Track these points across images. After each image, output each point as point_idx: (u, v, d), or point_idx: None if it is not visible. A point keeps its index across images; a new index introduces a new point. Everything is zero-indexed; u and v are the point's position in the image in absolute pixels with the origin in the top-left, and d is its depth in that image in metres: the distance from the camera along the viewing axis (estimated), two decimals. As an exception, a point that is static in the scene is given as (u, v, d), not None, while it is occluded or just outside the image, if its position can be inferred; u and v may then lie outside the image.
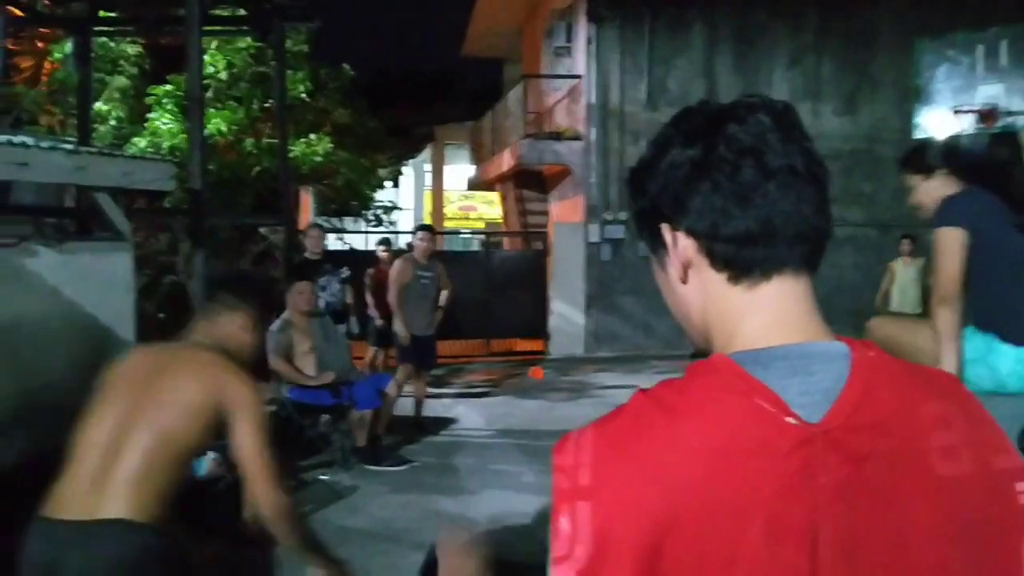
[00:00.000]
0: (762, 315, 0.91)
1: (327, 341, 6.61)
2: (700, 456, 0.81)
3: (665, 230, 0.94)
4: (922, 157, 3.38)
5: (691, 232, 0.92)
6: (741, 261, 0.91)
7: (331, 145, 13.02)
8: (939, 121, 13.02)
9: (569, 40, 14.09)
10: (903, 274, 10.93)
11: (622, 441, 0.85)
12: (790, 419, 0.82)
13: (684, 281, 0.95)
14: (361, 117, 14.70)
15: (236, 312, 2.46)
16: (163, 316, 10.26)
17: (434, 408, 8.47)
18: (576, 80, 13.79)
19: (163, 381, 2.20)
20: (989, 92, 12.03)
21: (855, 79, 13.70)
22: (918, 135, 13.16)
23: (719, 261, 0.91)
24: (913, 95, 13.48)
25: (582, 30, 13.48)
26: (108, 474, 2.08)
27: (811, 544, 0.80)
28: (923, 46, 12.31)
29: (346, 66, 14.05)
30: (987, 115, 11.76)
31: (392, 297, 7.50)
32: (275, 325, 6.44)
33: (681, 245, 0.93)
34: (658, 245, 0.96)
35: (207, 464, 4.95)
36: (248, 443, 2.21)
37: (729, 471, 0.81)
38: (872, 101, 13.71)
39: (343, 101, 14.11)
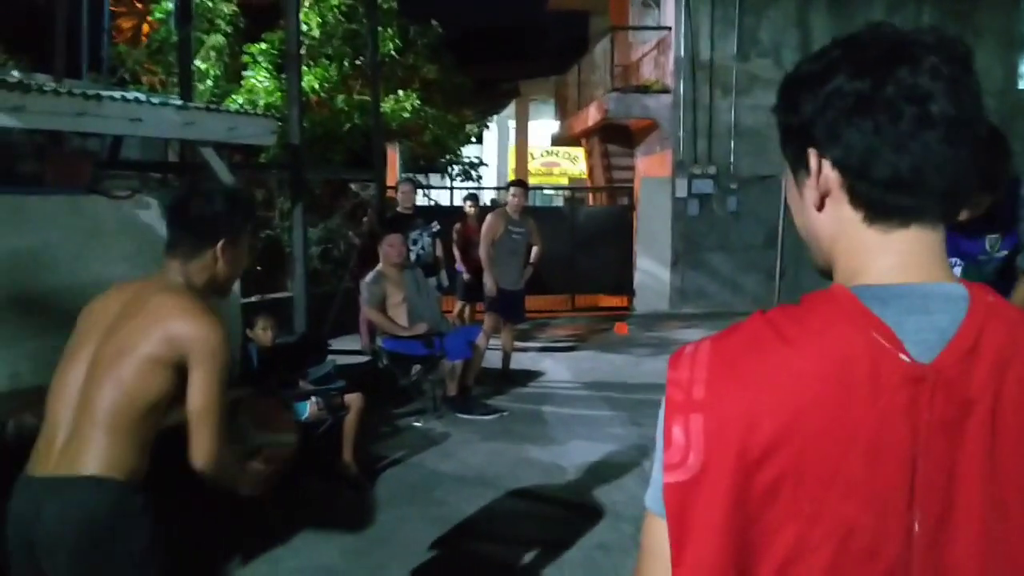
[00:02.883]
0: (890, 257, 0.92)
1: (419, 293, 6.77)
2: (810, 381, 0.85)
3: (812, 155, 0.93)
4: None
5: (838, 165, 0.91)
6: (883, 205, 0.91)
7: (419, 101, 13.14)
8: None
9: (658, -9, 13.85)
10: None
11: (736, 360, 0.89)
12: (903, 356, 0.84)
13: (820, 209, 0.96)
14: (448, 73, 14.78)
15: (198, 254, 2.20)
16: (260, 270, 10.61)
17: (521, 361, 8.61)
18: (665, 32, 13.56)
19: (124, 330, 2.07)
20: (1104, 39, 11.43)
21: (957, 27, 13.09)
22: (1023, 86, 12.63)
23: (861, 200, 0.92)
24: (1018, 44, 12.94)
25: (671, -20, 13.23)
26: (79, 429, 2.02)
27: (909, 474, 0.84)
28: (1033, -9, 11.76)
29: (434, 22, 14.11)
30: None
31: (483, 251, 7.60)
32: (369, 277, 6.64)
33: (825, 175, 0.93)
34: (799, 166, 0.96)
35: (309, 407, 5.18)
36: (195, 396, 2.02)
37: (838, 399, 0.84)
38: (976, 51, 13.01)
39: (431, 57, 14.19)
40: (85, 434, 2.00)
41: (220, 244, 2.19)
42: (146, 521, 2.05)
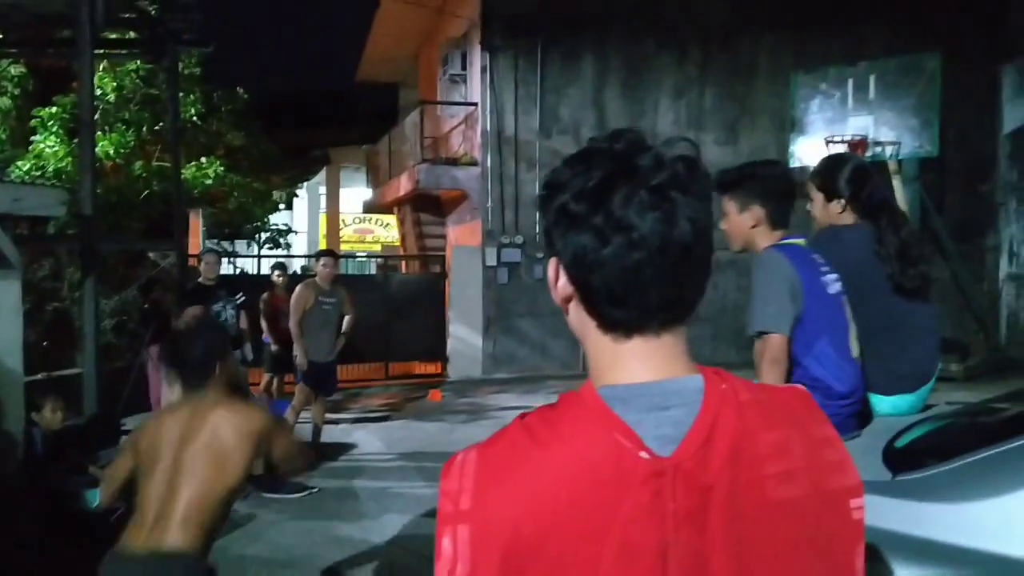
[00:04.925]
0: (628, 360, 0.98)
1: (223, 368, 6.54)
2: (564, 485, 0.90)
3: (552, 262, 1.02)
4: (838, 176, 3.11)
5: (568, 276, 0.99)
6: (605, 318, 0.98)
7: (223, 168, 12.85)
8: (812, 150, 13.83)
9: (464, 68, 14.32)
10: None
11: (499, 468, 0.94)
12: (643, 453, 0.90)
13: (566, 311, 1.04)
14: (255, 140, 14.58)
15: (209, 379, 2.90)
16: (46, 344, 9.90)
17: (332, 433, 8.44)
18: (472, 107, 14.01)
19: (197, 443, 2.72)
20: (859, 123, 12.86)
21: (736, 110, 14.37)
22: (793, 163, 13.98)
23: (589, 311, 0.99)
24: (789, 125, 14.32)
25: (477, 58, 13.72)
26: (166, 517, 2.64)
27: (662, 564, 0.90)
28: (798, 79, 13.08)
29: (240, 89, 13.93)
30: (857, 145, 12.54)
31: (293, 324, 7.44)
32: (170, 352, 6.35)
33: (561, 283, 1.01)
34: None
35: (100, 495, 4.86)
36: (285, 446, 2.93)
37: (589, 499, 0.89)
38: (751, 131, 14.40)
39: (236, 124, 13.97)
40: (172, 521, 2.62)
41: (217, 367, 2.90)
42: None
